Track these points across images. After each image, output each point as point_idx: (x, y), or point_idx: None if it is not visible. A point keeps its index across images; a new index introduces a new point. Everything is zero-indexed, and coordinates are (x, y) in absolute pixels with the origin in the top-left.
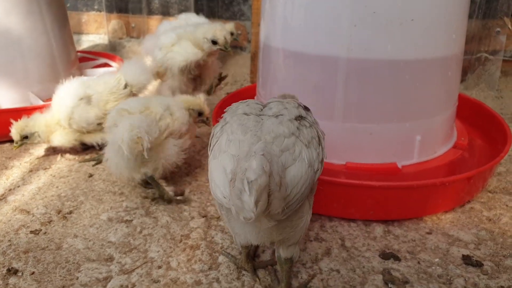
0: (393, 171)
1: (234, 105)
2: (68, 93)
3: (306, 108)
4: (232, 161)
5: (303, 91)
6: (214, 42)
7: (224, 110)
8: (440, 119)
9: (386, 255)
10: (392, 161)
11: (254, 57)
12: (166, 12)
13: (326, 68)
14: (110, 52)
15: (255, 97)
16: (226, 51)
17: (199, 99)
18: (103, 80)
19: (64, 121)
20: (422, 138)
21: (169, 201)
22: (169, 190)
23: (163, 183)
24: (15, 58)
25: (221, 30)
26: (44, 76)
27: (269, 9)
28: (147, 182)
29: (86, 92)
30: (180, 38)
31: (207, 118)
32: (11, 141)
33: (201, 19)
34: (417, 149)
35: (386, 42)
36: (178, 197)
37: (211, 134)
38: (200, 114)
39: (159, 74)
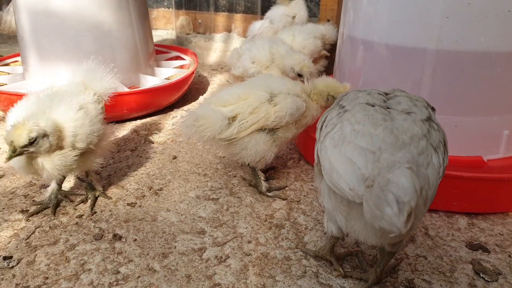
0: (478, 164)
1: (351, 93)
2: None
3: (433, 109)
4: (363, 155)
5: (388, 83)
6: (300, 75)
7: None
8: None
9: (473, 246)
10: (477, 154)
11: None
12: (232, 9)
13: (413, 60)
14: None
15: None
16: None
17: (345, 87)
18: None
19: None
20: (510, 132)
21: (260, 193)
22: (265, 184)
23: (261, 176)
24: (105, 49)
25: (308, 66)
26: (128, 66)
27: (354, 0)
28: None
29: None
30: (273, 59)
31: None
32: None
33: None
34: (504, 143)
35: (479, 34)
36: (269, 193)
37: (322, 119)
38: None
39: (239, 78)
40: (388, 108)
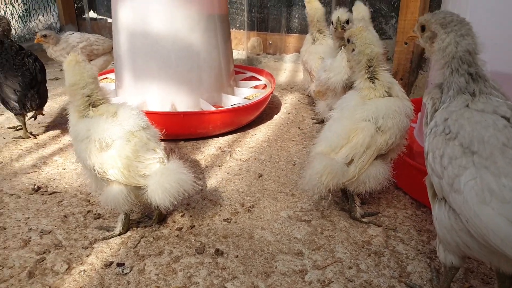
0: None
1: (464, 122)
2: None
3: None
4: None
5: None
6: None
7: (445, 119)
8: None
9: None
10: None
11: (395, 75)
12: (304, 31)
13: None
14: None
15: (420, 112)
16: (336, 30)
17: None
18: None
19: None
20: None
21: (354, 219)
22: (360, 209)
23: (357, 201)
24: (193, 69)
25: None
26: (212, 85)
27: None
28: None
29: None
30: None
31: None
32: (184, 139)
33: None
34: None
35: None
36: (364, 219)
37: (436, 150)
38: None
39: (320, 93)
40: None
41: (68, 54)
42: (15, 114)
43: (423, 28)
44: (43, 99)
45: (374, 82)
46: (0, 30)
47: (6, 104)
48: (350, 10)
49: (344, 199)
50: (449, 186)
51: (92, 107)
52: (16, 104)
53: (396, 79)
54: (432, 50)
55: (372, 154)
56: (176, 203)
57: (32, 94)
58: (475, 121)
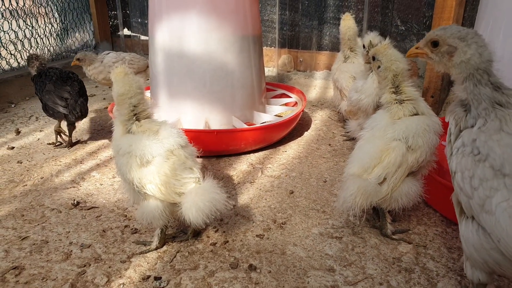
0: None
1: (496, 147)
2: None
3: None
4: None
5: None
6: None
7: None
8: None
9: None
10: None
11: (426, 92)
12: (335, 48)
13: None
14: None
15: None
16: (368, 53)
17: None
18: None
19: None
20: None
21: (385, 236)
22: (391, 226)
23: (388, 218)
24: (227, 88)
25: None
26: (245, 103)
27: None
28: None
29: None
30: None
31: None
32: (217, 156)
33: None
34: None
35: None
36: (394, 236)
37: (468, 172)
38: None
39: (351, 113)
40: None
41: (101, 73)
42: (57, 118)
43: (435, 44)
44: (87, 111)
45: (401, 103)
46: (38, 64)
47: (53, 110)
48: (381, 34)
49: (375, 216)
50: (479, 206)
51: (136, 120)
52: (65, 110)
53: (427, 96)
54: (451, 64)
55: (404, 172)
56: (208, 221)
57: (81, 101)
58: (505, 143)
